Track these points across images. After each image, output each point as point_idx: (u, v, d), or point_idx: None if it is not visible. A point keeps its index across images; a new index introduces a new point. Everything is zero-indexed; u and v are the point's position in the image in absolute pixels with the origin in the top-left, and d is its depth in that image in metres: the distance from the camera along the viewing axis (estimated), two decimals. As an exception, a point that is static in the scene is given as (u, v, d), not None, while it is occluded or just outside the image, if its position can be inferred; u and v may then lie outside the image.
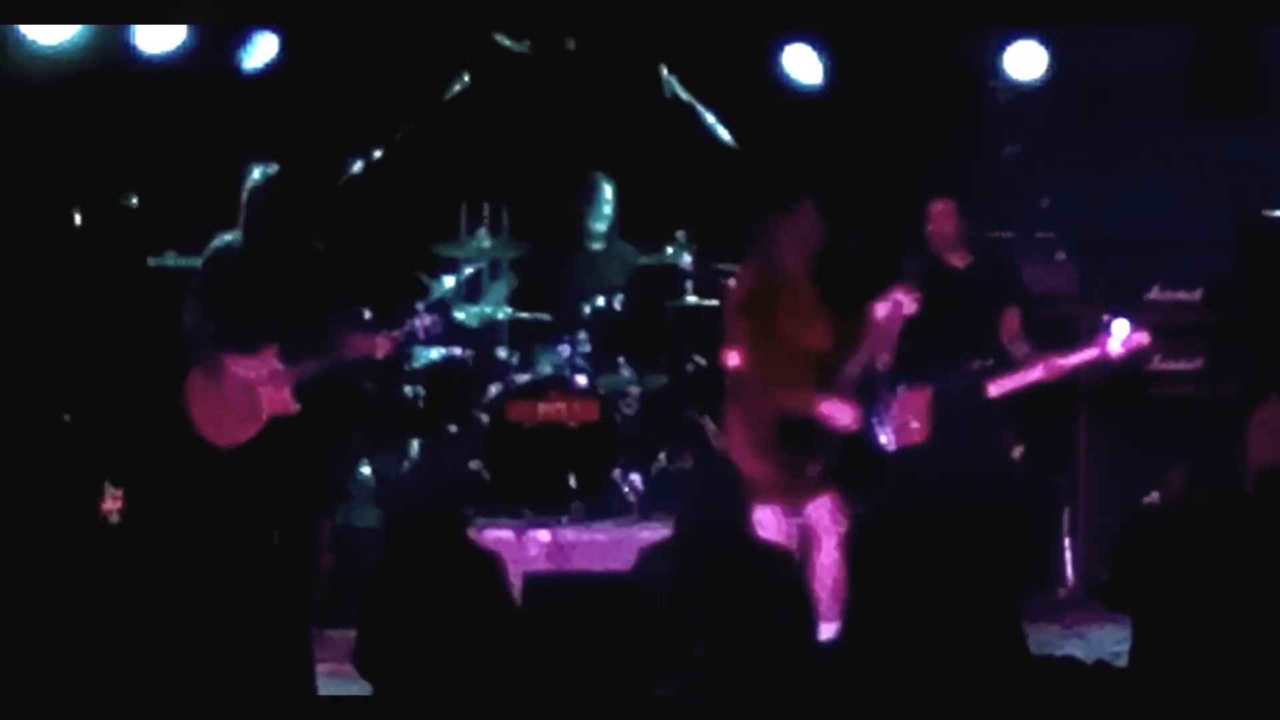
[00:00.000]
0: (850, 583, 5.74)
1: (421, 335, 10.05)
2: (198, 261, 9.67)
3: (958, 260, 9.90)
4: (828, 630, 7.68)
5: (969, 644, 5.64)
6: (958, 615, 5.60)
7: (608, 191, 11.37)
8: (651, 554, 7.35)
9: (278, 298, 9.43)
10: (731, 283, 9.75)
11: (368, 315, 10.20)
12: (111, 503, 9.91)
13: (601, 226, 11.38)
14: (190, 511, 9.36)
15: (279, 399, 9.36)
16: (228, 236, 9.56)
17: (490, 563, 7.28)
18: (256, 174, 9.52)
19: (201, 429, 9.39)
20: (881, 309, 9.24)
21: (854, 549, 6.24)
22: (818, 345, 9.11)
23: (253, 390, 9.33)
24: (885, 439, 9.57)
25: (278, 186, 9.49)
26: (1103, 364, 9.80)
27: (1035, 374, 9.65)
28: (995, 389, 9.65)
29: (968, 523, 5.89)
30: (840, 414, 9.04)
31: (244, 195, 9.50)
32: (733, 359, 9.20)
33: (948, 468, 9.35)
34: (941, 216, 9.86)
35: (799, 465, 9.04)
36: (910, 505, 6.93)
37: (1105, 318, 9.74)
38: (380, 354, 9.76)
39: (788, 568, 7.40)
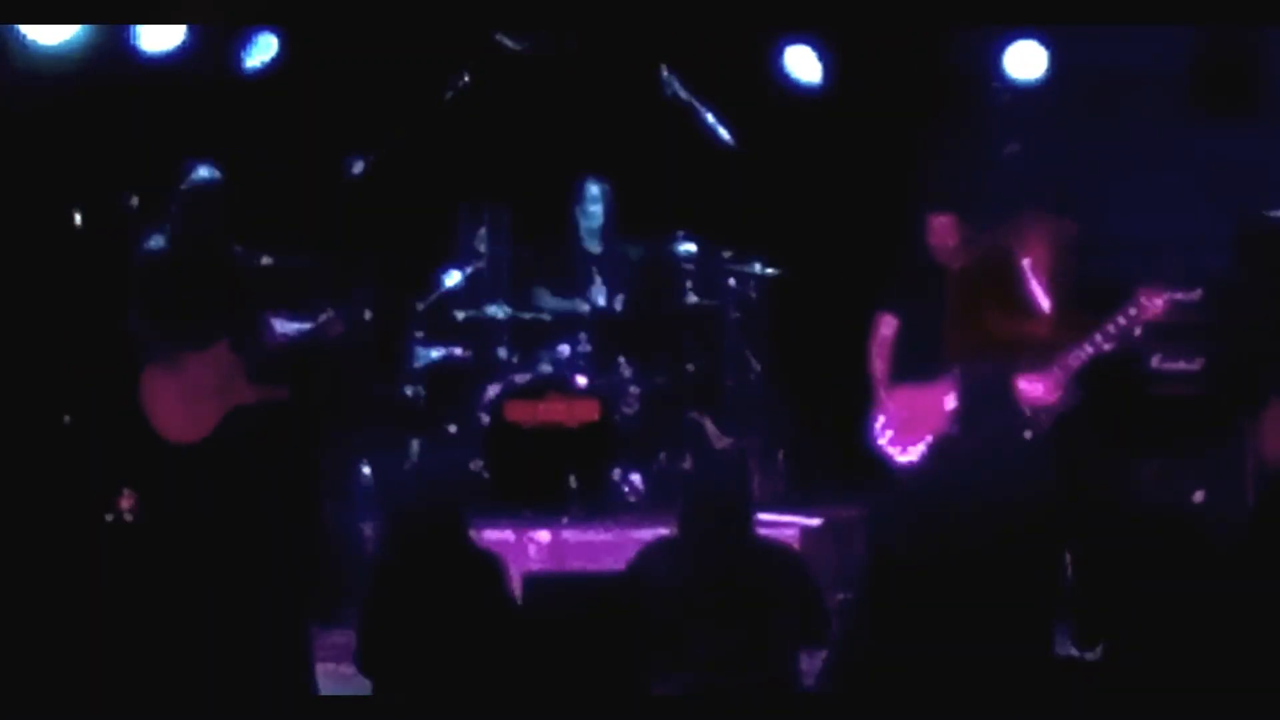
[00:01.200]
0: (870, 576, 5.76)
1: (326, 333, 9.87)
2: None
3: (955, 263, 9.90)
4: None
5: (997, 642, 5.63)
6: (988, 614, 5.60)
7: (595, 191, 11.35)
8: (649, 552, 7.34)
9: (211, 297, 9.43)
10: None
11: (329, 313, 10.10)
12: (127, 502, 9.92)
13: (593, 226, 11.36)
14: (181, 510, 9.35)
15: (237, 389, 9.37)
16: (159, 238, 9.56)
17: (492, 563, 7.28)
18: (193, 174, 9.52)
19: (161, 428, 9.37)
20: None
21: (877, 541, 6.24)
22: (1031, 332, 9.35)
23: (211, 384, 9.33)
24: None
25: (207, 191, 9.49)
26: (1101, 360, 9.77)
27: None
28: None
29: (996, 516, 5.89)
30: (1032, 389, 9.35)
31: (177, 194, 9.52)
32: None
33: (974, 463, 9.42)
34: (943, 231, 9.86)
35: None
36: (938, 500, 6.94)
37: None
38: (328, 334, 9.69)
39: (792, 568, 7.36)
